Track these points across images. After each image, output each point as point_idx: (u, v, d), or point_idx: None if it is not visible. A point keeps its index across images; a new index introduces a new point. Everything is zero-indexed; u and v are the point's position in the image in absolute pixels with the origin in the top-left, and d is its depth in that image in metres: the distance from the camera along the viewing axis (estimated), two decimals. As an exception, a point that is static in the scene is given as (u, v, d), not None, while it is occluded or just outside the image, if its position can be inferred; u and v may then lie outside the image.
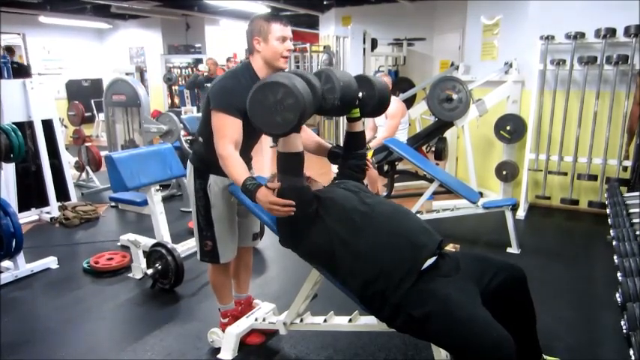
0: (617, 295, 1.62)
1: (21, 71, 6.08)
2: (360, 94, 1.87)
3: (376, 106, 1.93)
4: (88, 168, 5.34)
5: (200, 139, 1.98)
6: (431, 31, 7.48)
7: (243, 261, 2.28)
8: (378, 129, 4.39)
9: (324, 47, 7.02)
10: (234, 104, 1.76)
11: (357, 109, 1.90)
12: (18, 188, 3.82)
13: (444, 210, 3.68)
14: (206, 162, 1.94)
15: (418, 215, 3.20)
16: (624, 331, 1.43)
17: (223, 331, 2.19)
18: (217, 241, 2.02)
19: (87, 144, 5.35)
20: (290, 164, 1.66)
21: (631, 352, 1.31)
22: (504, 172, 4.37)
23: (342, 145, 2.03)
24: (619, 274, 1.74)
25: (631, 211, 2.33)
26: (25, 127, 3.94)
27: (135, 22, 9.72)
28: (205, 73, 7.03)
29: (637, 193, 2.67)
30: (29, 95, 3.99)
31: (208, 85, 6.33)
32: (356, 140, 1.98)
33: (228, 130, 1.76)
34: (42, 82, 4.27)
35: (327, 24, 8.25)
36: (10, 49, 6.67)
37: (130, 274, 3.04)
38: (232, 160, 1.74)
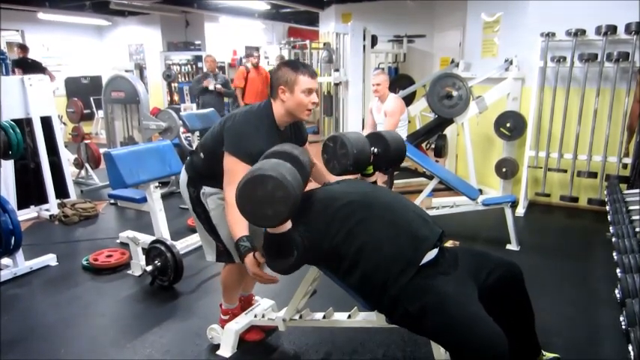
0: (617, 291, 1.62)
1: (36, 67, 6.10)
2: (375, 150, 1.92)
3: (390, 162, 1.99)
4: (87, 165, 5.33)
5: (201, 154, 1.99)
6: (431, 28, 7.46)
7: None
8: (377, 127, 4.39)
9: (324, 44, 7.00)
10: (247, 151, 1.78)
11: (371, 167, 1.95)
12: (17, 186, 3.81)
13: (444, 207, 3.68)
14: (201, 175, 1.99)
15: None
16: (623, 327, 1.43)
17: (223, 327, 2.19)
18: (226, 243, 2.02)
19: (86, 141, 5.34)
20: (279, 246, 1.60)
21: (630, 348, 1.31)
22: (504, 169, 4.37)
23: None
24: (618, 270, 1.74)
25: (630, 208, 2.32)
26: (24, 124, 3.93)
27: (134, 19, 9.69)
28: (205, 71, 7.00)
29: (637, 191, 2.67)
30: (28, 92, 3.98)
31: (209, 78, 6.33)
32: None
33: (237, 175, 1.70)
34: (41, 78, 4.25)
35: (327, 21, 8.23)
36: (23, 47, 6.68)
37: (129, 271, 3.04)
38: (237, 212, 1.64)
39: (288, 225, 1.58)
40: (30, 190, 4.08)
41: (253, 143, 1.78)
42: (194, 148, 2.18)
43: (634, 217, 2.16)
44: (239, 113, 1.91)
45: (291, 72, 1.81)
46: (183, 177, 2.06)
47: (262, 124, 1.84)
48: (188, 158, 2.12)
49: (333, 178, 2.01)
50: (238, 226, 1.72)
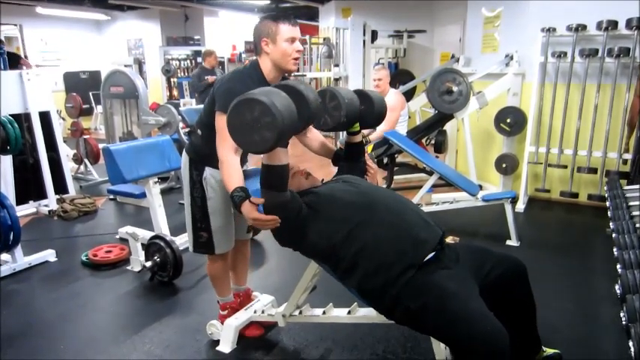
0: (617, 287, 1.62)
1: (12, 60, 6.02)
2: (362, 107, 1.90)
3: (375, 119, 1.99)
4: (86, 160, 5.32)
5: (199, 131, 1.96)
6: (431, 23, 7.43)
7: (240, 253, 2.28)
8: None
9: (324, 39, 6.98)
10: None
11: (357, 123, 1.94)
12: (16, 181, 3.80)
13: (444, 202, 3.67)
14: (202, 154, 1.94)
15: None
16: (624, 323, 1.43)
17: (222, 323, 2.19)
18: (213, 233, 2.01)
19: (85, 136, 5.33)
20: (274, 178, 1.60)
21: (630, 343, 1.31)
22: (504, 165, 4.36)
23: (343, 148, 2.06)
24: (618, 266, 1.74)
25: (631, 203, 2.32)
26: (22, 119, 3.92)
27: (133, 13, 9.65)
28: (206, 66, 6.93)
29: (637, 186, 2.66)
30: (26, 87, 3.96)
31: (207, 77, 6.26)
32: (357, 150, 2.03)
33: None
34: (39, 73, 4.23)
35: (326, 16, 8.19)
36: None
37: (129, 267, 3.03)
38: (230, 167, 1.73)
39: (284, 159, 1.58)
40: (29, 186, 4.07)
41: None
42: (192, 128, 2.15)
43: (634, 213, 2.16)
44: (227, 75, 1.91)
45: (271, 23, 1.78)
46: (185, 159, 2.03)
47: (252, 80, 1.80)
48: (187, 139, 2.10)
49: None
50: (232, 179, 1.70)
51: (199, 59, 9.04)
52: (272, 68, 1.84)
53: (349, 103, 1.79)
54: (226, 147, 1.73)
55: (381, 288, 1.53)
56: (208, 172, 1.95)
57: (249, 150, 1.55)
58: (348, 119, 1.82)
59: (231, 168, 1.73)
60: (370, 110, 1.93)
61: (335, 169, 2.07)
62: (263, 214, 1.61)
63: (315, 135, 2.11)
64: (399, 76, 6.92)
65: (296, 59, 1.83)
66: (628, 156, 3.81)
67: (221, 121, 1.75)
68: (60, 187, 4.29)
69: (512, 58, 4.40)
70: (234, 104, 1.46)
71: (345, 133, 2.01)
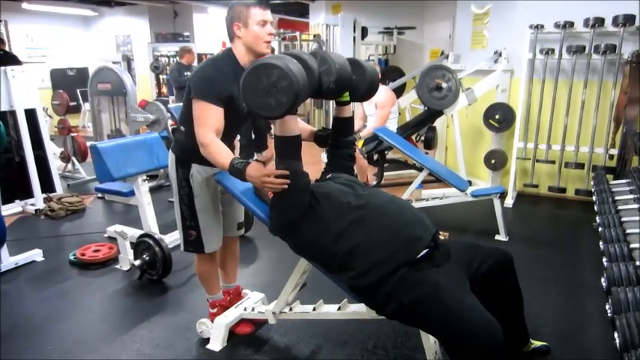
0: (603, 280, 1.65)
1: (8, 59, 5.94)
2: (354, 76, 1.83)
3: (366, 90, 1.90)
4: (73, 159, 5.25)
5: (182, 127, 1.94)
6: (421, 20, 7.45)
7: (229, 250, 2.27)
8: (367, 118, 4.38)
9: (314, 36, 6.95)
10: (215, 92, 1.73)
11: (348, 93, 1.86)
12: (1, 180, 3.73)
13: (434, 198, 3.69)
14: (188, 151, 1.91)
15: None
16: (609, 315, 1.45)
17: (212, 321, 2.18)
18: (202, 231, 2.00)
19: (72, 134, 5.26)
20: (287, 148, 1.65)
21: (616, 335, 1.33)
22: (493, 161, 4.40)
23: (330, 128, 2.00)
24: (604, 259, 1.76)
25: (617, 198, 2.35)
26: (7, 116, 3.86)
27: (121, 9, 9.53)
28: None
29: (623, 181, 2.70)
30: (11, 84, 3.89)
31: (187, 73, 6.21)
32: (345, 126, 1.94)
33: (209, 118, 1.73)
34: (24, 70, 4.16)
35: (317, 12, 8.17)
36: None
37: (118, 266, 3.00)
38: (215, 145, 1.72)
39: (296, 129, 1.62)
40: (15, 185, 4.00)
41: (221, 86, 1.74)
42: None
43: (620, 207, 2.19)
44: (201, 64, 1.89)
45: (242, 7, 1.77)
46: (171, 158, 2.01)
47: (227, 66, 1.79)
48: (173, 137, 2.08)
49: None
50: (223, 155, 1.70)
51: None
52: (245, 52, 1.82)
53: (340, 69, 1.71)
54: (206, 130, 1.72)
55: (374, 285, 1.53)
56: (195, 169, 1.94)
57: (263, 114, 1.55)
58: (338, 86, 1.74)
59: (217, 146, 1.72)
60: (362, 79, 1.86)
61: (324, 160, 2.04)
62: (275, 170, 1.61)
63: (299, 122, 2.08)
64: (389, 72, 6.93)
65: (268, 42, 1.81)
66: (614, 151, 3.86)
67: (198, 108, 1.75)
68: (47, 185, 4.23)
69: (500, 54, 4.42)
70: (249, 70, 1.49)
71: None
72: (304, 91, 1.51)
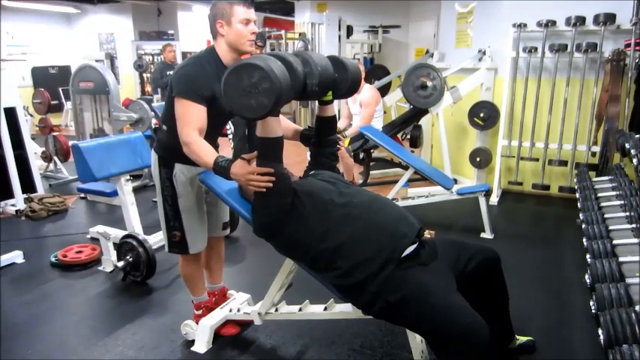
0: (587, 276, 1.66)
1: None
2: (336, 75, 1.81)
3: (349, 88, 1.89)
4: (55, 158, 5.15)
5: (164, 127, 1.91)
6: (406, 19, 7.48)
7: (214, 251, 2.24)
8: (353, 117, 4.37)
9: (300, 34, 6.93)
10: (197, 91, 1.71)
11: (330, 92, 1.84)
12: (-20, 180, 3.65)
13: (419, 197, 3.70)
14: (170, 150, 1.88)
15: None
16: (593, 311, 1.47)
17: (197, 323, 2.16)
18: (186, 232, 1.97)
19: (54, 133, 5.16)
20: (269, 149, 1.62)
21: (600, 331, 1.34)
22: (478, 159, 4.43)
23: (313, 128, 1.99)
24: (588, 256, 1.78)
25: (599, 195, 2.39)
26: (-14, 115, 3.76)
27: (104, 7, 9.37)
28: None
29: (605, 178, 2.74)
30: (-11, 82, 3.80)
31: (169, 72, 6.14)
32: (328, 126, 1.93)
33: (191, 117, 1.71)
34: (4, 67, 4.07)
35: (302, 11, 8.14)
36: None
37: (101, 267, 2.95)
38: (198, 144, 1.70)
39: (278, 131, 1.58)
40: (-6, 185, 3.92)
41: (203, 84, 1.72)
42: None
43: (603, 204, 2.22)
44: (183, 62, 1.86)
45: (226, 4, 1.75)
46: (154, 158, 1.98)
47: (210, 64, 1.77)
48: (155, 137, 2.04)
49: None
50: (207, 154, 1.68)
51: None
52: (228, 50, 1.80)
53: (322, 70, 1.69)
54: (189, 129, 1.70)
55: (360, 284, 1.52)
56: (178, 168, 1.91)
57: (244, 115, 1.53)
58: (321, 87, 1.72)
59: (201, 144, 1.70)
60: (344, 77, 1.84)
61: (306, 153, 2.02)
62: (260, 168, 1.58)
63: (286, 123, 2.06)
64: (374, 71, 6.94)
65: (251, 40, 1.80)
66: (596, 148, 3.92)
67: (180, 106, 1.72)
68: (28, 185, 4.14)
69: (484, 53, 4.46)
70: (231, 69, 1.46)
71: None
72: (286, 93, 1.48)
